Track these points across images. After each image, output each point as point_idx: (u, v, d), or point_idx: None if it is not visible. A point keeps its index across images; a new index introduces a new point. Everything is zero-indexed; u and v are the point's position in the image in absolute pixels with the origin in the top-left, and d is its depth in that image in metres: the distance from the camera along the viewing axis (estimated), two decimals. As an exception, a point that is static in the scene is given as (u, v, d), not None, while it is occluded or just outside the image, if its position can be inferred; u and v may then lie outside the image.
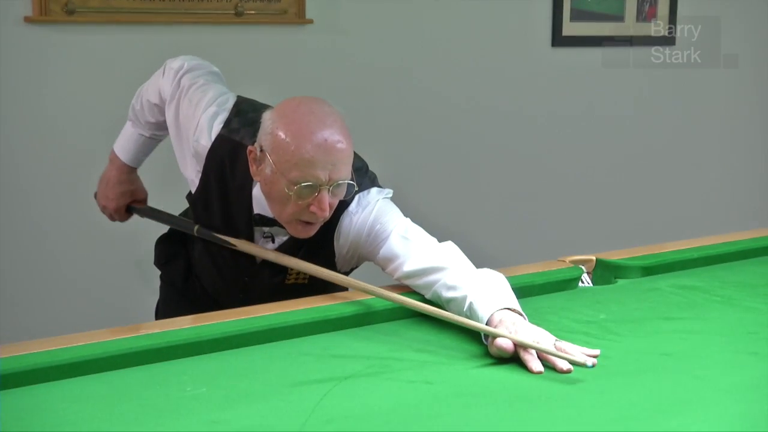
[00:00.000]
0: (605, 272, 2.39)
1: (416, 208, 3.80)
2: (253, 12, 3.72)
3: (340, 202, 2.16)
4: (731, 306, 2.17)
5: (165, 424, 1.52)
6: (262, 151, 2.12)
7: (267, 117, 2.14)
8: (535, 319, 1.92)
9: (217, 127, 2.29)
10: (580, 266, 2.37)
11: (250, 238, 2.29)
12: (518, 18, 4.45)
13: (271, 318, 1.96)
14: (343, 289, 2.23)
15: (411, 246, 2.17)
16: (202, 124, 2.31)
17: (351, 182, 2.12)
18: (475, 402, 1.62)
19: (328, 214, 2.11)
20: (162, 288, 2.65)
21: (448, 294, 2.03)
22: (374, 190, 2.26)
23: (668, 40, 4.84)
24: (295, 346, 1.89)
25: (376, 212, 2.21)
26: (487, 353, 1.82)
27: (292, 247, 2.26)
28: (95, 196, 2.66)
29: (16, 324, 3.40)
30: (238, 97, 2.38)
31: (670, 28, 4.84)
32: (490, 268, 2.07)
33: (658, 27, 4.82)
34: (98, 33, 3.51)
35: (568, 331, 1.93)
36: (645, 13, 4.76)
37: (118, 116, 3.25)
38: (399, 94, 4.19)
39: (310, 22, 3.84)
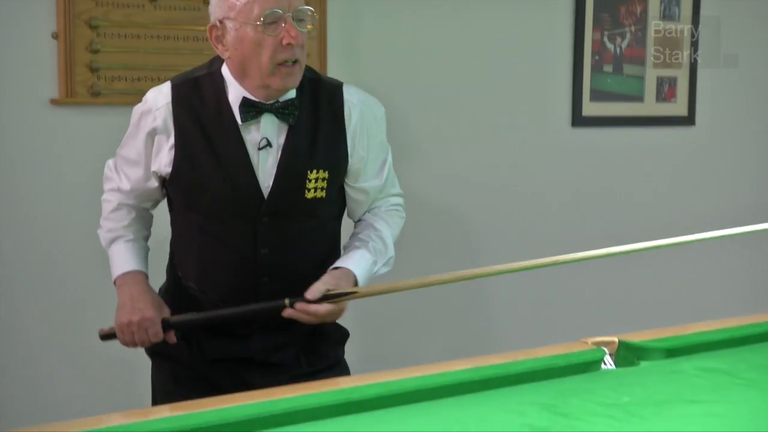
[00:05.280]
0: (628, 354, 2.37)
1: (430, 289, 3.75)
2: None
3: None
4: (756, 389, 2.14)
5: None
6: (221, 21, 2.27)
7: None
8: (558, 401, 1.90)
9: (165, 87, 2.40)
10: (603, 348, 2.35)
11: (244, 157, 2.33)
12: (538, 98, 4.49)
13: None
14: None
15: (390, 178, 2.58)
16: (149, 103, 2.41)
17: (311, 8, 2.29)
18: None
19: (301, 41, 2.25)
20: (161, 370, 2.58)
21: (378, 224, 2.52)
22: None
23: (688, 120, 4.86)
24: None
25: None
26: None
27: (300, 136, 2.35)
28: (104, 336, 2.51)
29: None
30: None
31: (689, 108, 4.86)
32: (512, 351, 2.07)
33: (677, 107, 4.84)
34: (123, 114, 3.53)
35: (591, 414, 1.91)
36: (664, 94, 4.79)
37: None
38: (415, 179, 4.20)
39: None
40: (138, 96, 3.47)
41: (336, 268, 2.43)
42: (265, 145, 2.33)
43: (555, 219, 4.58)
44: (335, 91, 2.44)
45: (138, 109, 2.45)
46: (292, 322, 2.40)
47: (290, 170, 2.35)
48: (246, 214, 2.36)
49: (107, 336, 2.50)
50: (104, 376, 3.59)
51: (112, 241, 2.51)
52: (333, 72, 3.88)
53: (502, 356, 2.12)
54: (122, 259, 2.49)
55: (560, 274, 4.62)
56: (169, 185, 2.42)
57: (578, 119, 4.58)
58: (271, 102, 2.33)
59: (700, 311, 4.36)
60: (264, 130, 2.34)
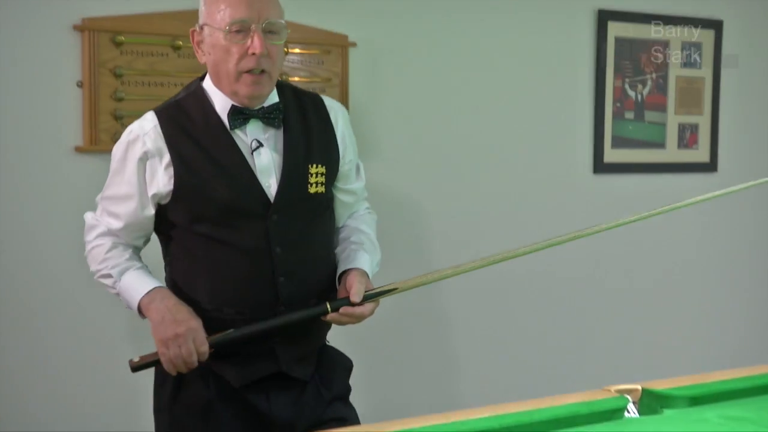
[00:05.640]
0: (651, 402, 2.34)
1: (456, 334, 3.76)
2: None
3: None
4: (782, 438, 2.11)
5: None
6: (201, 27, 2.40)
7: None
8: (581, 450, 1.88)
9: (148, 115, 2.44)
10: (626, 396, 2.33)
11: (242, 159, 2.39)
12: (560, 145, 4.50)
13: None
14: None
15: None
16: (135, 132, 2.44)
17: (282, 21, 2.39)
18: None
19: (264, 51, 2.33)
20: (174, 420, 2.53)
21: (363, 226, 2.63)
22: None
23: (710, 167, 4.86)
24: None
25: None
26: None
27: (294, 134, 2.45)
28: (137, 366, 2.42)
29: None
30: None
31: (711, 154, 4.86)
32: (533, 399, 2.06)
33: (699, 153, 4.84)
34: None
35: (614, 463, 1.89)
36: (686, 140, 4.79)
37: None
38: (440, 230, 4.21)
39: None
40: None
41: (348, 270, 2.51)
42: (257, 146, 2.41)
43: (577, 265, 4.57)
44: (316, 98, 2.59)
45: (122, 142, 2.47)
46: (311, 333, 2.49)
47: (293, 165, 2.43)
48: (255, 215, 2.40)
49: (141, 366, 2.43)
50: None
51: (122, 273, 2.47)
52: (355, 117, 3.90)
53: (524, 404, 2.11)
54: (140, 282, 2.46)
55: (583, 319, 4.61)
56: (171, 203, 2.42)
57: (600, 166, 4.58)
58: (257, 108, 2.43)
59: (724, 358, 4.33)
60: (251, 135, 2.43)
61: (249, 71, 2.37)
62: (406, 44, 4.09)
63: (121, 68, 3.46)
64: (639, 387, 2.37)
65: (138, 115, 3.38)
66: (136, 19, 3.49)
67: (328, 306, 2.39)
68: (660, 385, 2.39)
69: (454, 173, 4.24)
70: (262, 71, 2.38)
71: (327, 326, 2.56)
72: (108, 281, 2.49)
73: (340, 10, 3.91)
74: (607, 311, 4.67)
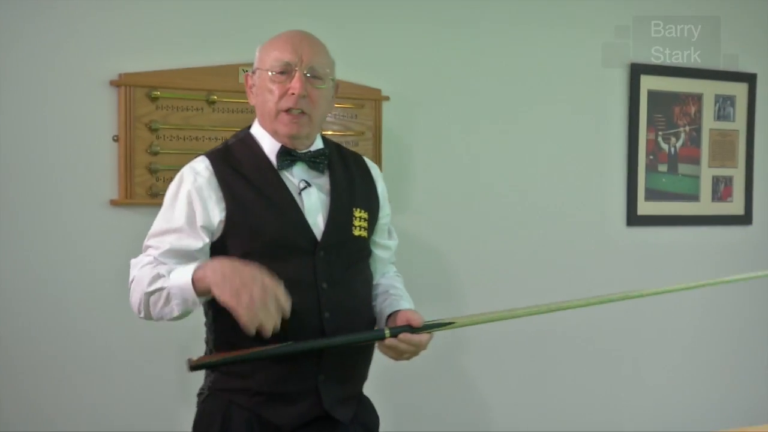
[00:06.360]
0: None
1: (481, 397, 3.73)
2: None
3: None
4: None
5: None
6: (254, 71, 2.54)
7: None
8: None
9: (200, 157, 2.49)
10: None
11: (290, 197, 2.44)
12: (593, 198, 4.48)
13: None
14: None
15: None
16: (185, 174, 2.46)
17: (326, 69, 2.51)
18: None
19: (302, 92, 2.44)
20: None
21: (397, 283, 2.68)
22: None
23: (744, 219, 4.83)
24: None
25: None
26: None
27: (340, 178, 2.55)
28: (195, 366, 2.30)
29: None
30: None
31: (746, 207, 4.83)
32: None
33: (733, 206, 4.81)
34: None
35: None
36: (720, 193, 4.77)
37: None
38: (472, 282, 4.19)
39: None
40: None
41: (398, 309, 2.54)
42: (305, 186, 2.49)
43: (611, 322, 4.53)
44: (357, 154, 2.71)
45: (174, 182, 2.48)
46: (354, 373, 2.53)
47: (340, 206, 2.52)
48: (302, 250, 2.44)
49: (199, 366, 2.31)
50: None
51: (171, 271, 2.32)
52: (388, 170, 3.92)
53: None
54: (190, 265, 2.30)
55: (620, 378, 4.56)
56: (221, 241, 2.41)
57: (633, 218, 4.56)
58: (303, 151, 2.52)
59: (756, 415, 4.27)
60: (297, 176, 2.51)
61: (287, 110, 2.47)
62: (438, 98, 4.11)
63: (157, 123, 3.50)
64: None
65: (173, 169, 3.43)
66: (172, 75, 3.53)
67: (387, 331, 2.39)
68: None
69: (487, 226, 4.23)
70: (302, 112, 2.48)
71: (368, 369, 2.59)
72: (158, 283, 2.30)
73: (373, 64, 3.94)
74: (643, 366, 4.62)
